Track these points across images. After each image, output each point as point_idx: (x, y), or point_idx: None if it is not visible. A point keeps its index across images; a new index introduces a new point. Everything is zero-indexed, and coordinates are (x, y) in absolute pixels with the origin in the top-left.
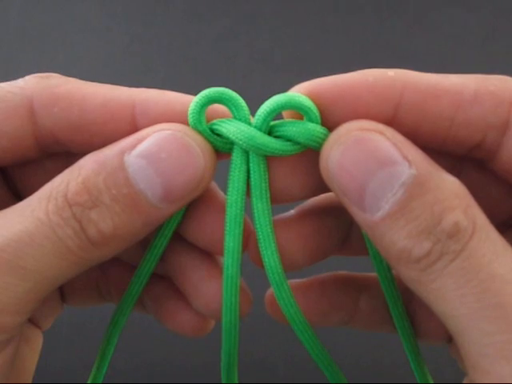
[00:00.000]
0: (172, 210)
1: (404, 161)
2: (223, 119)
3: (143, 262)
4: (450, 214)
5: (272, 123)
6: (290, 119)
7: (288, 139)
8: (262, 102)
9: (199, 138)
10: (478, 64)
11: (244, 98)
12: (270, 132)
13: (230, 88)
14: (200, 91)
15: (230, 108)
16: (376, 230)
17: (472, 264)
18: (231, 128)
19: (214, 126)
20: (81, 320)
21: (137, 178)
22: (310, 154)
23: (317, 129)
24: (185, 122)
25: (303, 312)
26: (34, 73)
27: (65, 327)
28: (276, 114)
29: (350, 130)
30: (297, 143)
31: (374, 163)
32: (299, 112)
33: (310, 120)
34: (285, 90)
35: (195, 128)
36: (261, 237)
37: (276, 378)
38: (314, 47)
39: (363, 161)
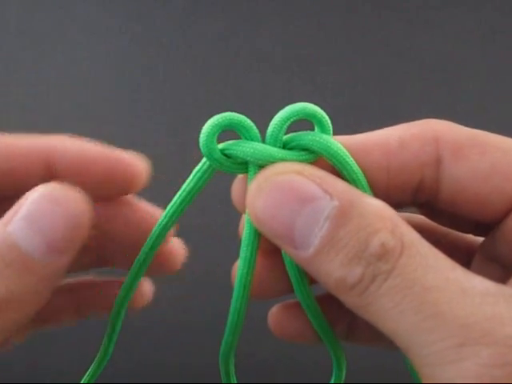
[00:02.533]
0: (66, 259)
1: (325, 195)
2: (234, 142)
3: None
4: (375, 236)
5: (284, 138)
6: (302, 131)
7: (303, 149)
8: (263, 102)
9: (69, 190)
10: (478, 64)
11: (244, 98)
12: (283, 146)
13: (229, 88)
14: (200, 92)
15: (239, 131)
16: (312, 265)
17: (405, 280)
18: (246, 149)
19: (227, 151)
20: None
21: (20, 241)
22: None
23: (330, 139)
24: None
25: (302, 328)
26: (34, 73)
27: (63, 328)
28: (288, 124)
29: (268, 176)
30: (312, 152)
31: (296, 203)
32: (312, 121)
33: (323, 129)
34: (285, 89)
35: (210, 157)
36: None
37: (276, 378)
38: (314, 47)
39: (286, 203)
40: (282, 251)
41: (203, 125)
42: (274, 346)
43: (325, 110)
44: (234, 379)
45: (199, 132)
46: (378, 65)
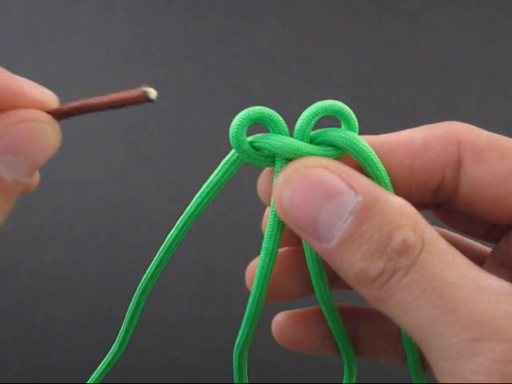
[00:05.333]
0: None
1: (350, 190)
2: (262, 135)
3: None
4: (397, 232)
5: (311, 133)
6: (329, 128)
7: (329, 144)
8: (264, 102)
9: (47, 117)
10: (478, 64)
11: (246, 98)
12: (310, 141)
13: (230, 88)
14: (200, 91)
15: (268, 125)
16: (334, 258)
17: (424, 275)
18: (274, 142)
19: (255, 144)
20: (81, 319)
21: (7, 172)
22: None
23: (356, 136)
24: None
25: (304, 337)
26: (35, 72)
27: (65, 326)
28: (316, 120)
29: (296, 169)
30: (338, 148)
31: (322, 196)
32: (339, 118)
33: (349, 126)
34: (286, 89)
35: (239, 149)
36: None
37: (276, 378)
38: (315, 47)
39: (312, 195)
40: (304, 247)
41: (204, 124)
42: (274, 345)
43: None
44: (245, 374)
45: (200, 131)
46: (380, 64)
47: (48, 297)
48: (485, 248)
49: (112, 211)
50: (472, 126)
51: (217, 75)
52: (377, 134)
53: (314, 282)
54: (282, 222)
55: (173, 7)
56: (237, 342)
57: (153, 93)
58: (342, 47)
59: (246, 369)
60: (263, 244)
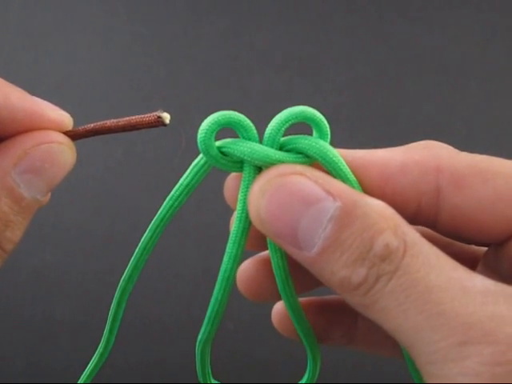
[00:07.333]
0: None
1: (328, 196)
2: (232, 140)
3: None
4: (379, 237)
5: (282, 140)
6: (300, 135)
7: (299, 152)
8: (264, 102)
9: (65, 138)
10: (478, 64)
11: (245, 98)
12: (280, 148)
13: (230, 88)
14: (201, 91)
15: (238, 130)
16: (315, 266)
17: (408, 280)
18: (243, 149)
19: (224, 149)
20: (80, 319)
21: (27, 191)
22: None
23: (326, 145)
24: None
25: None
26: (35, 72)
27: (64, 326)
28: (286, 127)
29: (272, 177)
30: (307, 156)
31: (300, 204)
32: (310, 124)
33: (321, 133)
34: (285, 89)
35: (207, 154)
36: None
37: (276, 378)
38: (315, 47)
39: (289, 204)
40: (270, 255)
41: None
42: (273, 345)
43: (325, 110)
44: (208, 368)
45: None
46: (379, 65)
47: (47, 296)
48: (479, 249)
49: (111, 211)
50: (452, 150)
51: (216, 75)
52: (377, 133)
53: (280, 288)
54: (247, 227)
55: (173, 7)
56: (199, 338)
57: (167, 118)
58: (341, 48)
59: (208, 365)
60: (227, 249)
